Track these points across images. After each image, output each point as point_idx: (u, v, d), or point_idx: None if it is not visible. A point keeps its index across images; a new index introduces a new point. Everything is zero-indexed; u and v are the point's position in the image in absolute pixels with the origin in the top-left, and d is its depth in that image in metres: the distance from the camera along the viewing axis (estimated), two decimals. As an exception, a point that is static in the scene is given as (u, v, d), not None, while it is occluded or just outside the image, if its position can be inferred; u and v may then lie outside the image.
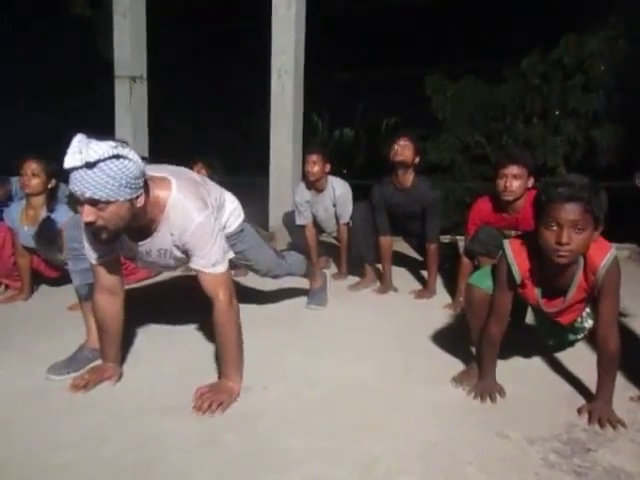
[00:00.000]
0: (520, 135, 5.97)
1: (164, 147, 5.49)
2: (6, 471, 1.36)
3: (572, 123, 5.81)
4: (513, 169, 2.54)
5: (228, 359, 1.76)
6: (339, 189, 3.47)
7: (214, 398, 1.67)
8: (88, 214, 1.51)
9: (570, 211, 1.50)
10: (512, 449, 1.47)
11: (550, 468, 1.39)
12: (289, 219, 3.79)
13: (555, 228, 1.53)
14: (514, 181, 2.53)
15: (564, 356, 2.10)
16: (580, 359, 2.04)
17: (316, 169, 3.40)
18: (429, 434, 1.54)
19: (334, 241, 3.82)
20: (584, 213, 1.51)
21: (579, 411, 1.66)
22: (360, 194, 3.55)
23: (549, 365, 2.05)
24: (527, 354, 2.11)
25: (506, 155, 2.72)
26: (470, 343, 1.97)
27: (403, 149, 2.93)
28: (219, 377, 1.79)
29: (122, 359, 2.01)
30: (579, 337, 1.99)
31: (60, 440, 1.50)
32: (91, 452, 1.44)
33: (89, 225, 1.54)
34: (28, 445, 1.47)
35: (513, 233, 2.50)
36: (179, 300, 2.78)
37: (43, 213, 2.87)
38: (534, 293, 1.73)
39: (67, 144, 1.45)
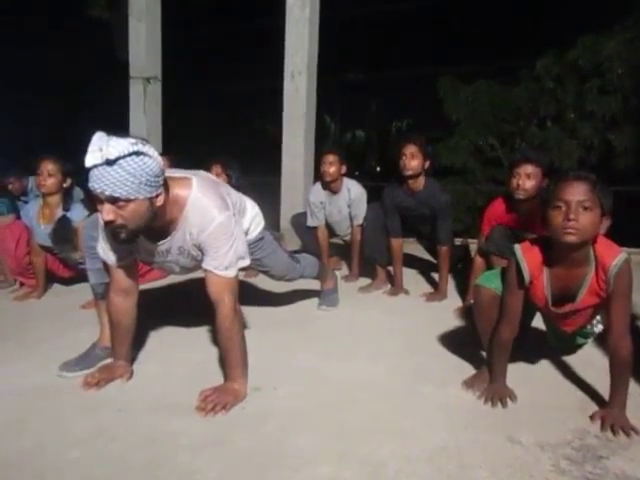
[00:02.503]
0: (534, 138, 5.92)
1: (178, 147, 5.53)
2: (18, 467, 1.37)
3: (588, 126, 5.74)
4: (527, 168, 2.53)
5: (233, 362, 1.76)
6: (354, 191, 3.47)
7: (218, 400, 1.67)
8: (108, 213, 1.50)
9: (576, 189, 1.51)
10: (523, 454, 1.46)
11: (561, 474, 1.37)
12: (298, 220, 3.79)
13: (562, 207, 1.52)
14: (527, 180, 2.52)
15: (576, 361, 2.08)
16: (593, 364, 2.02)
17: (332, 170, 3.40)
18: (439, 437, 1.53)
19: (342, 242, 3.82)
20: (590, 193, 1.51)
21: (591, 417, 1.64)
22: (372, 196, 3.55)
23: (561, 370, 2.02)
24: (538, 358, 2.09)
25: (521, 154, 2.71)
26: (480, 346, 1.96)
27: (410, 161, 2.90)
28: (224, 380, 1.79)
29: (134, 358, 2.03)
30: (588, 340, 1.97)
31: (71, 437, 1.51)
32: (101, 449, 1.45)
33: (109, 224, 1.54)
34: (40, 441, 1.49)
35: (527, 235, 2.48)
36: (192, 301, 2.79)
37: (59, 212, 2.90)
38: (543, 293, 1.71)
39: (78, 142, 1.46)
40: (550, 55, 5.73)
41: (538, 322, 2.02)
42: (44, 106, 8.47)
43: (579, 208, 1.50)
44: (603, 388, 1.73)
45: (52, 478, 1.33)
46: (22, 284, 3.20)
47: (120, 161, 1.44)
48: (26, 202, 3.63)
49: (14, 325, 2.53)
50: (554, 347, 2.05)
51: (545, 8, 6.44)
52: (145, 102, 5.70)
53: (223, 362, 1.81)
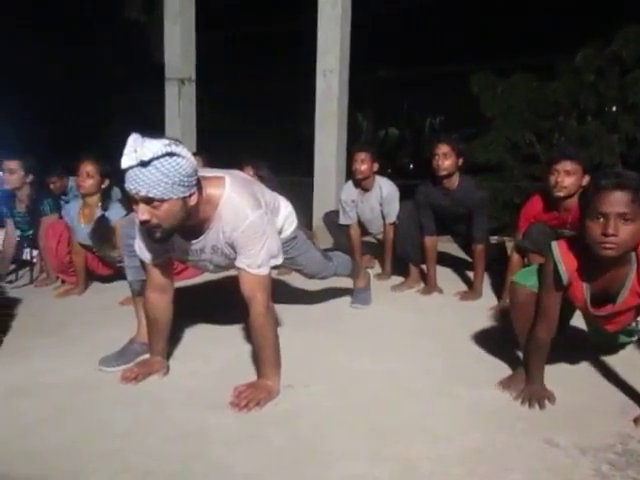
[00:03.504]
0: (573, 133, 5.74)
1: (212, 147, 5.61)
2: (59, 457, 1.42)
3: (630, 120, 5.53)
4: (566, 164, 2.45)
5: (266, 359, 1.77)
6: (386, 189, 3.45)
7: (252, 396, 1.69)
8: (143, 212, 1.54)
9: (616, 200, 1.43)
10: (562, 458, 1.42)
11: (603, 479, 1.33)
12: (330, 218, 3.79)
13: (601, 219, 1.46)
14: (566, 177, 2.45)
15: (618, 362, 2.01)
16: (635, 365, 1.95)
17: (364, 167, 3.39)
18: (473, 439, 1.50)
19: (375, 241, 3.80)
20: (631, 203, 1.43)
21: (635, 421, 1.58)
22: (405, 194, 3.51)
23: (601, 371, 1.96)
24: (578, 359, 2.03)
25: (559, 150, 2.63)
26: (517, 346, 1.91)
27: (444, 160, 2.86)
28: (257, 377, 1.81)
29: (170, 354, 2.07)
30: (633, 339, 1.90)
31: (110, 429, 1.55)
32: (138, 441, 1.49)
33: (144, 224, 1.58)
34: (81, 432, 1.54)
35: (567, 232, 2.42)
36: (227, 298, 2.82)
37: (98, 212, 2.98)
38: (582, 295, 1.66)
39: (116, 142, 1.50)
40: (591, 47, 5.54)
41: (579, 321, 1.96)
42: (83, 106, 8.72)
43: (619, 221, 1.44)
44: (647, 391, 1.67)
45: (93, 468, 1.37)
46: (64, 281, 3.30)
47: (154, 162, 1.48)
48: (67, 201, 3.74)
49: (57, 321, 2.61)
50: (595, 346, 1.99)
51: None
52: (180, 102, 5.80)
53: (256, 359, 1.83)
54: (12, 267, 3.57)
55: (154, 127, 5.66)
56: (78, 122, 8.65)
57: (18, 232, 3.50)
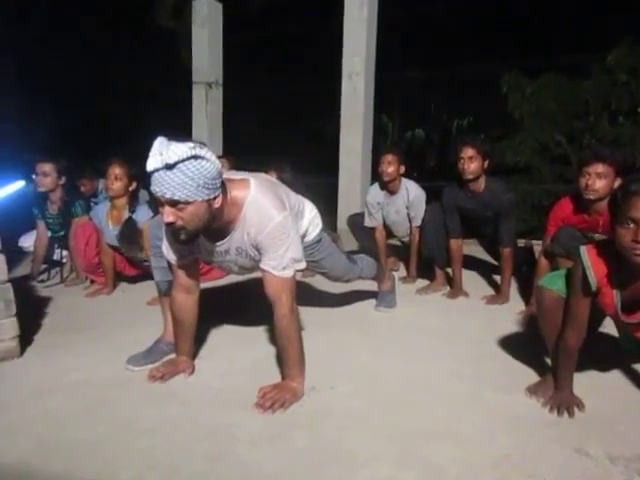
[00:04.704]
0: (605, 134, 5.61)
1: (238, 148, 5.66)
2: (86, 453, 1.45)
3: (665, 120, 5.38)
4: (597, 167, 2.38)
5: (290, 361, 1.78)
6: (413, 192, 3.42)
7: (277, 397, 1.69)
8: (168, 215, 1.56)
9: None
10: (592, 467, 1.38)
11: (635, 490, 1.29)
12: (354, 221, 3.78)
13: (631, 225, 1.42)
14: (597, 180, 2.38)
15: (652, 371, 1.95)
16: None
17: (391, 169, 3.37)
18: (501, 445, 1.48)
19: (400, 243, 3.77)
20: None
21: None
22: (432, 196, 3.48)
23: (632, 379, 1.90)
24: (608, 366, 1.97)
25: (591, 152, 2.56)
26: (545, 352, 1.87)
27: (469, 164, 2.83)
28: (282, 378, 1.81)
29: (196, 353, 2.09)
30: None
31: (137, 426, 1.58)
32: (164, 439, 1.51)
33: (169, 225, 1.60)
34: (109, 429, 1.56)
35: (597, 236, 2.35)
36: (252, 299, 2.84)
37: (126, 214, 3.04)
38: (613, 301, 1.61)
39: (144, 144, 1.52)
40: (624, 46, 5.41)
41: (609, 327, 1.91)
42: (113, 109, 8.90)
43: None
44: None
45: (121, 464, 1.40)
46: (93, 281, 3.37)
47: (179, 165, 1.49)
48: (96, 203, 3.82)
49: (86, 320, 2.67)
50: (626, 353, 1.93)
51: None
52: (207, 105, 5.88)
53: (281, 360, 1.84)
54: (43, 267, 3.67)
55: (183, 130, 5.75)
56: (110, 124, 8.84)
57: (49, 233, 3.59)
